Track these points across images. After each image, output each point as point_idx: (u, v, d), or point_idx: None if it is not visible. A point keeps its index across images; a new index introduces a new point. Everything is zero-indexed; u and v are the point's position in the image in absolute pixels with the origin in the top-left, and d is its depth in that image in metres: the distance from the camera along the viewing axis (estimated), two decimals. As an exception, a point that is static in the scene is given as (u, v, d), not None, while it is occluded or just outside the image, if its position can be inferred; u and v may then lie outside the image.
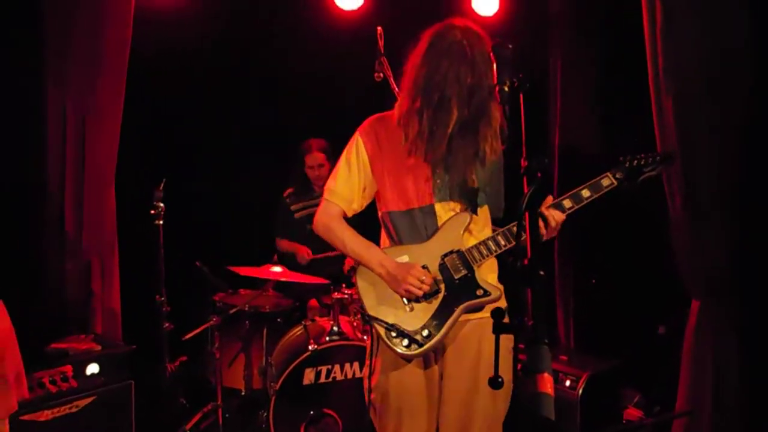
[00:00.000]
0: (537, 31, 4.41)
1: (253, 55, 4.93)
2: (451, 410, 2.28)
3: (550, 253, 4.29)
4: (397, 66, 3.05)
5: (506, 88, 1.80)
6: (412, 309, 2.23)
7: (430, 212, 2.26)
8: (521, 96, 1.71)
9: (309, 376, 3.47)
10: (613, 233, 4.05)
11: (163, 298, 3.55)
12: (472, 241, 2.26)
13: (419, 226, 2.27)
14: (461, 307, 2.22)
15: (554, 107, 4.31)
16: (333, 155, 4.29)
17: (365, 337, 3.61)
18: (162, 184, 3.53)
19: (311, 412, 3.47)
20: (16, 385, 2.33)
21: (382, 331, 2.23)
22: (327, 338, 3.56)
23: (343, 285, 3.75)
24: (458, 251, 2.24)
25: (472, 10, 4.29)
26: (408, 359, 2.26)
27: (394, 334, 2.21)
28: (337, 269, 4.11)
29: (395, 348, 2.21)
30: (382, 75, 3.03)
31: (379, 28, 3.05)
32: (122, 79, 3.79)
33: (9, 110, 3.63)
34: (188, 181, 4.47)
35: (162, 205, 3.52)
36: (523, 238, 1.54)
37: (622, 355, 3.69)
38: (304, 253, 4.33)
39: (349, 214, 2.38)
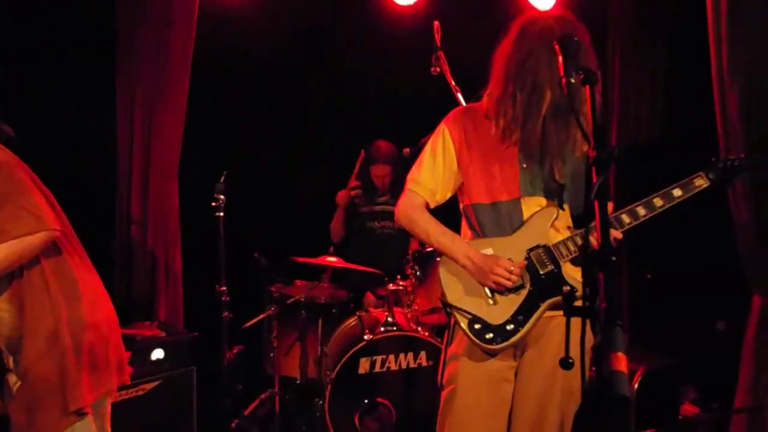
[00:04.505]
0: (595, 24, 4.36)
1: (310, 51, 5.01)
2: (525, 409, 2.24)
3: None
4: (453, 60, 3.11)
5: (573, 81, 1.79)
6: (495, 303, 2.19)
7: (516, 206, 2.23)
8: (588, 89, 1.70)
9: (364, 365, 3.54)
10: (668, 225, 3.99)
11: (223, 288, 3.65)
12: (558, 237, 2.21)
13: (504, 219, 2.23)
14: (547, 302, 2.18)
15: (611, 102, 4.27)
16: (398, 160, 4.34)
17: (419, 329, 3.66)
18: (223, 177, 3.63)
19: (366, 401, 3.53)
20: (118, 373, 2.36)
21: (464, 322, 2.18)
22: (382, 329, 3.62)
23: (398, 277, 3.80)
24: (545, 246, 2.20)
25: (529, 4, 4.27)
26: (491, 353, 2.21)
27: (477, 326, 2.16)
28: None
29: (478, 340, 2.16)
30: (438, 69, 3.06)
31: (436, 22, 3.08)
32: (186, 78, 3.92)
33: (86, 114, 3.83)
34: (248, 175, 4.58)
35: (222, 197, 3.61)
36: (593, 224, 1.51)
37: (678, 351, 3.63)
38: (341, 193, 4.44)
39: (432, 205, 2.34)
